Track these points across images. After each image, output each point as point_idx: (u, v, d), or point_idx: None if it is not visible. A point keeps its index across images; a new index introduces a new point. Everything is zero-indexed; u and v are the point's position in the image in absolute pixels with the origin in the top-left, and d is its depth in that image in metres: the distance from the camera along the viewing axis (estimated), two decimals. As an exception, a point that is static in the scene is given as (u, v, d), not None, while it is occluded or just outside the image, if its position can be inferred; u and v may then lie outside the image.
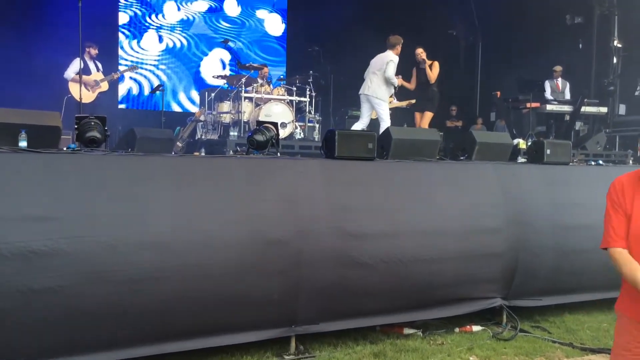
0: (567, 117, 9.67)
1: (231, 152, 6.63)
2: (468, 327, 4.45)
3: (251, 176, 3.74)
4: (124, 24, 11.76)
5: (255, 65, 9.46)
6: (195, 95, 12.23)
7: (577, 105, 9.46)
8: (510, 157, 5.44)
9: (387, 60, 7.67)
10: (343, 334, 4.09)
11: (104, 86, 8.90)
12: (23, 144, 3.56)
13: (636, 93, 10.18)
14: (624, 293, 2.59)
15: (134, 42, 11.85)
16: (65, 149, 4.01)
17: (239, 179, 3.70)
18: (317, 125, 9.37)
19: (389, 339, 4.18)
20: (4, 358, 2.94)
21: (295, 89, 9.06)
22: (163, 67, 12.16)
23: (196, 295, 3.38)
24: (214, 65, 12.56)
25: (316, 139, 8.88)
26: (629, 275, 2.40)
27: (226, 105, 8.82)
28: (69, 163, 3.30)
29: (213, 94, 9.27)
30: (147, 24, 11.96)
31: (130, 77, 11.64)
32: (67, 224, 3.07)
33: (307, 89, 9.18)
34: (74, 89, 8.43)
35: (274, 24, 13.41)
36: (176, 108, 12.26)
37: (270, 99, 8.48)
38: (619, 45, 10.43)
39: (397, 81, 8.08)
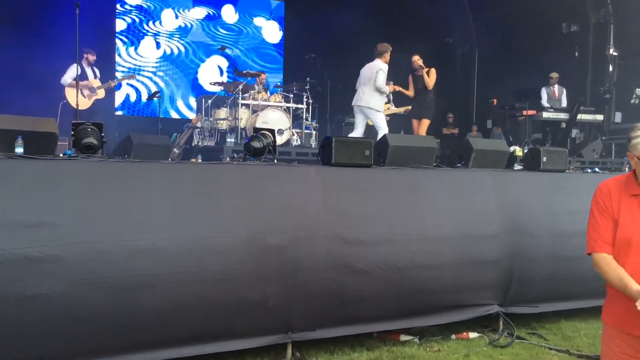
0: (564, 125, 9.71)
1: (228, 159, 6.64)
2: (464, 333, 4.45)
3: (248, 183, 3.74)
4: (122, 31, 11.77)
5: (252, 72, 9.48)
6: (193, 102, 12.23)
7: (573, 113, 9.50)
8: (507, 164, 5.46)
9: (377, 70, 7.60)
10: (340, 340, 4.08)
11: (101, 93, 8.89)
12: (19, 150, 3.56)
13: (632, 101, 10.22)
14: (607, 302, 2.54)
15: (132, 49, 11.86)
16: (61, 155, 4.01)
17: (235, 185, 3.70)
18: (314, 132, 9.38)
19: (386, 345, 4.17)
20: (-2, 364, 2.93)
21: (292, 95, 9.06)
22: (161, 73, 12.17)
23: (192, 301, 3.37)
24: (211, 72, 12.57)
25: (313, 146, 8.89)
26: (617, 282, 2.35)
27: (223, 112, 8.82)
28: (65, 169, 3.30)
29: (210, 101, 9.27)
30: (144, 31, 11.98)
31: (128, 84, 11.64)
32: (62, 230, 3.06)
33: (304, 96, 9.19)
34: (70, 95, 8.43)
35: (271, 32, 13.45)
36: (174, 115, 12.26)
37: (267, 106, 8.49)
38: (615, 53, 10.50)
39: (389, 89, 8.07)
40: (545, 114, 9.54)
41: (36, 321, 2.98)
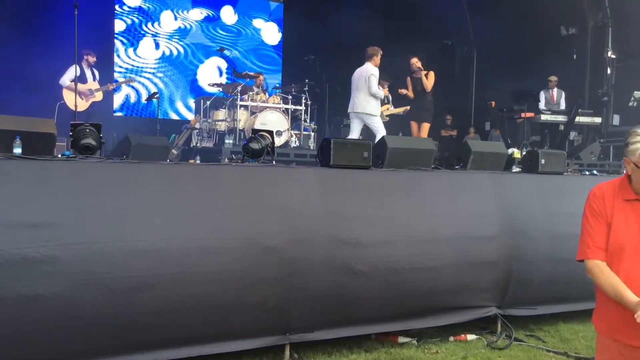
0: (562, 127, 9.73)
1: (226, 160, 6.64)
2: (463, 335, 4.45)
3: (246, 184, 3.74)
4: (121, 32, 11.77)
5: (250, 73, 9.49)
6: (192, 103, 12.25)
7: (571, 115, 9.52)
8: (505, 166, 5.46)
9: (368, 76, 7.61)
10: (338, 342, 4.08)
11: (98, 96, 8.88)
12: (17, 150, 3.55)
13: (630, 103, 10.25)
14: (599, 307, 2.49)
15: (131, 50, 11.86)
16: (60, 156, 4.01)
17: (234, 186, 3.70)
18: (312, 134, 9.40)
19: (384, 347, 4.17)
20: (-5, 365, 2.93)
21: (290, 97, 9.08)
22: (160, 74, 12.17)
23: (190, 302, 3.36)
24: (211, 73, 12.58)
25: (311, 148, 8.91)
26: (611, 290, 2.29)
27: (222, 113, 8.83)
28: (63, 170, 3.30)
29: (209, 102, 9.28)
30: (143, 32, 11.98)
31: (128, 84, 11.64)
32: (61, 230, 3.06)
33: (303, 98, 9.21)
34: (68, 97, 8.43)
35: (270, 33, 13.46)
36: (173, 116, 12.27)
37: (265, 107, 8.51)
38: (613, 56, 10.53)
39: (383, 92, 8.07)
40: (543, 117, 9.57)
41: (35, 322, 2.97)
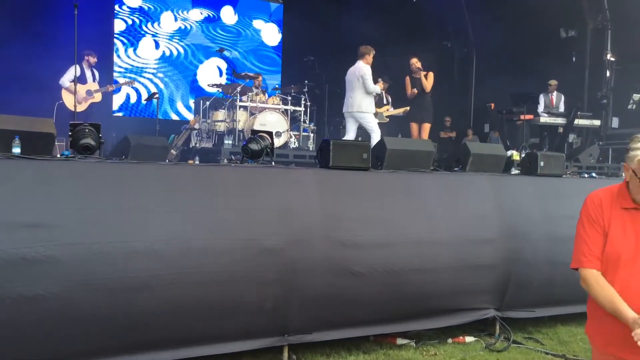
0: (561, 130, 9.74)
1: (225, 161, 6.63)
2: (461, 337, 4.45)
3: (245, 185, 3.74)
4: (121, 32, 11.76)
5: (250, 74, 9.49)
6: (192, 103, 12.24)
7: (570, 118, 9.53)
8: (504, 168, 5.46)
9: (361, 75, 7.61)
10: (336, 343, 4.08)
11: (97, 97, 8.87)
12: (17, 150, 3.55)
13: (629, 106, 10.26)
14: (594, 319, 2.43)
15: (130, 50, 11.85)
16: (59, 155, 4.01)
17: (233, 187, 3.70)
18: (311, 135, 9.40)
19: (382, 349, 4.17)
20: (-6, 364, 2.92)
21: (290, 98, 9.08)
22: (161, 75, 12.16)
23: (189, 303, 3.36)
24: (211, 73, 12.58)
25: (311, 149, 8.91)
26: (606, 303, 2.24)
27: (221, 114, 8.83)
28: (62, 170, 3.29)
29: (208, 102, 9.27)
30: (143, 32, 11.97)
31: (128, 85, 11.63)
32: (60, 231, 3.06)
33: (302, 99, 9.21)
34: (67, 97, 8.42)
35: (270, 34, 13.46)
36: (174, 116, 12.26)
37: (265, 108, 8.50)
38: (612, 59, 10.54)
39: (379, 86, 8.05)
40: (542, 119, 9.58)
41: (34, 322, 2.97)
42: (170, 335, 3.38)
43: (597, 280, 2.30)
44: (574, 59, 11.01)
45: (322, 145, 4.41)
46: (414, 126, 9.21)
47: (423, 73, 8.97)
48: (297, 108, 9.11)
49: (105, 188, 3.29)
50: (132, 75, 11.40)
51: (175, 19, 12.28)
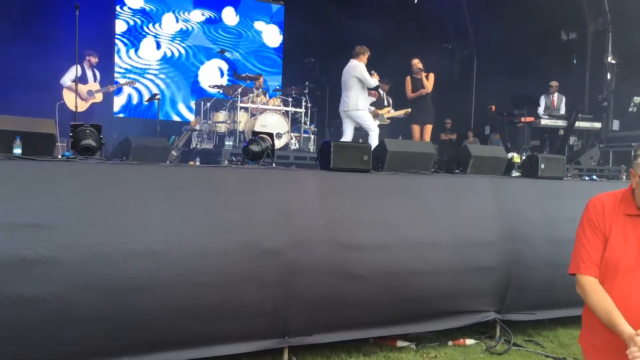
0: (562, 132, 9.73)
1: (226, 162, 6.63)
2: (461, 340, 4.44)
3: (246, 186, 3.74)
4: (122, 33, 11.77)
5: (251, 75, 9.50)
6: (194, 104, 12.25)
7: (571, 120, 9.52)
8: (505, 171, 5.46)
9: (356, 74, 7.65)
10: (336, 345, 4.07)
11: (98, 97, 8.87)
12: (17, 150, 3.56)
13: (630, 109, 10.26)
14: (586, 330, 2.37)
15: (132, 51, 11.86)
16: (60, 156, 4.01)
17: (233, 188, 3.70)
18: (312, 136, 9.39)
19: (382, 351, 4.16)
20: (-7, 366, 2.92)
21: (291, 99, 9.08)
22: (162, 76, 12.17)
23: (189, 305, 3.36)
24: (212, 74, 12.58)
25: (311, 150, 8.90)
26: (602, 314, 2.18)
27: (222, 115, 8.83)
28: (63, 171, 3.29)
29: (209, 104, 9.28)
30: (144, 33, 11.98)
31: (130, 86, 11.63)
32: (60, 231, 3.05)
33: (303, 100, 9.21)
34: (68, 97, 8.42)
35: (271, 35, 13.47)
36: (175, 117, 12.26)
37: (265, 110, 8.50)
38: (613, 62, 10.54)
39: (374, 78, 8.03)
40: (543, 121, 9.57)
41: (34, 323, 2.97)
42: (170, 336, 3.37)
43: (593, 288, 2.24)
44: (574, 61, 11.01)
45: (323, 146, 4.41)
46: (416, 128, 9.22)
47: (424, 74, 8.99)
48: (298, 109, 9.11)
49: (105, 189, 3.29)
50: (133, 76, 11.40)
51: (177, 20, 12.29)
